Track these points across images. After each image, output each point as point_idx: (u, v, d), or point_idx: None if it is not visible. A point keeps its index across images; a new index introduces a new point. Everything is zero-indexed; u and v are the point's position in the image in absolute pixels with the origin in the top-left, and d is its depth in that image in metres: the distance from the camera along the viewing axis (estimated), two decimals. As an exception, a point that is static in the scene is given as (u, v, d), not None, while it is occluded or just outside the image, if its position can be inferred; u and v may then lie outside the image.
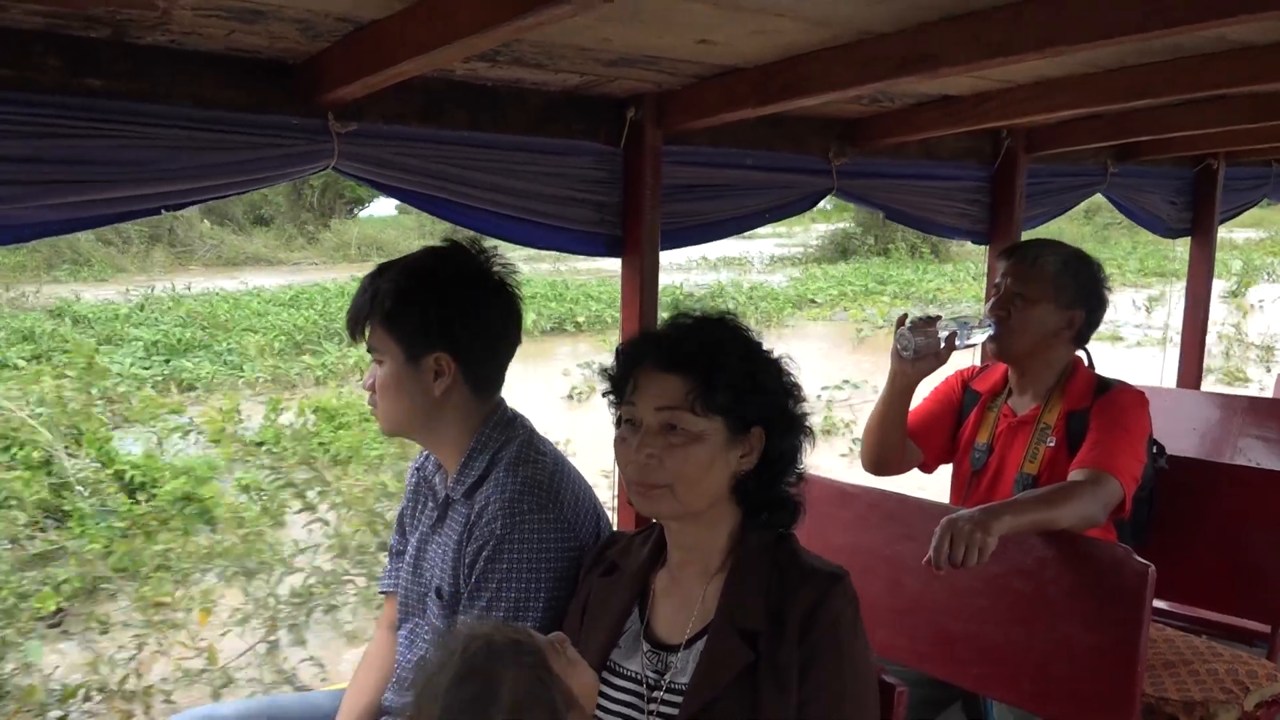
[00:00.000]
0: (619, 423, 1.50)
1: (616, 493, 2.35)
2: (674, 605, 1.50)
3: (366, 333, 1.67)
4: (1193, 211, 3.85)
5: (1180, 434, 3.19)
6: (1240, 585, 2.51)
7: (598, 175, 2.27)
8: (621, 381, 1.49)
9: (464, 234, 1.80)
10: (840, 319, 14.84)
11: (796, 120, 2.54)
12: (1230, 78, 2.08)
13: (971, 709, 2.98)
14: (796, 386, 1.51)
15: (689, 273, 18.46)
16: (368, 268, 1.76)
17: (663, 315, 1.59)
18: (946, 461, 2.54)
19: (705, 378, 1.40)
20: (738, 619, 1.41)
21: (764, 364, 1.47)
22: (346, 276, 14.49)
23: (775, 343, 1.51)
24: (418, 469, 1.88)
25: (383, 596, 1.97)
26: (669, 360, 1.43)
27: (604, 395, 1.55)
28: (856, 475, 2.64)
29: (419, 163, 2.01)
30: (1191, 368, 3.94)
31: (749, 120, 2.39)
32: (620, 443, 1.47)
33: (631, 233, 2.30)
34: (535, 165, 2.18)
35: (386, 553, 1.97)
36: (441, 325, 1.66)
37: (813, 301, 16.06)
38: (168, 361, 10.33)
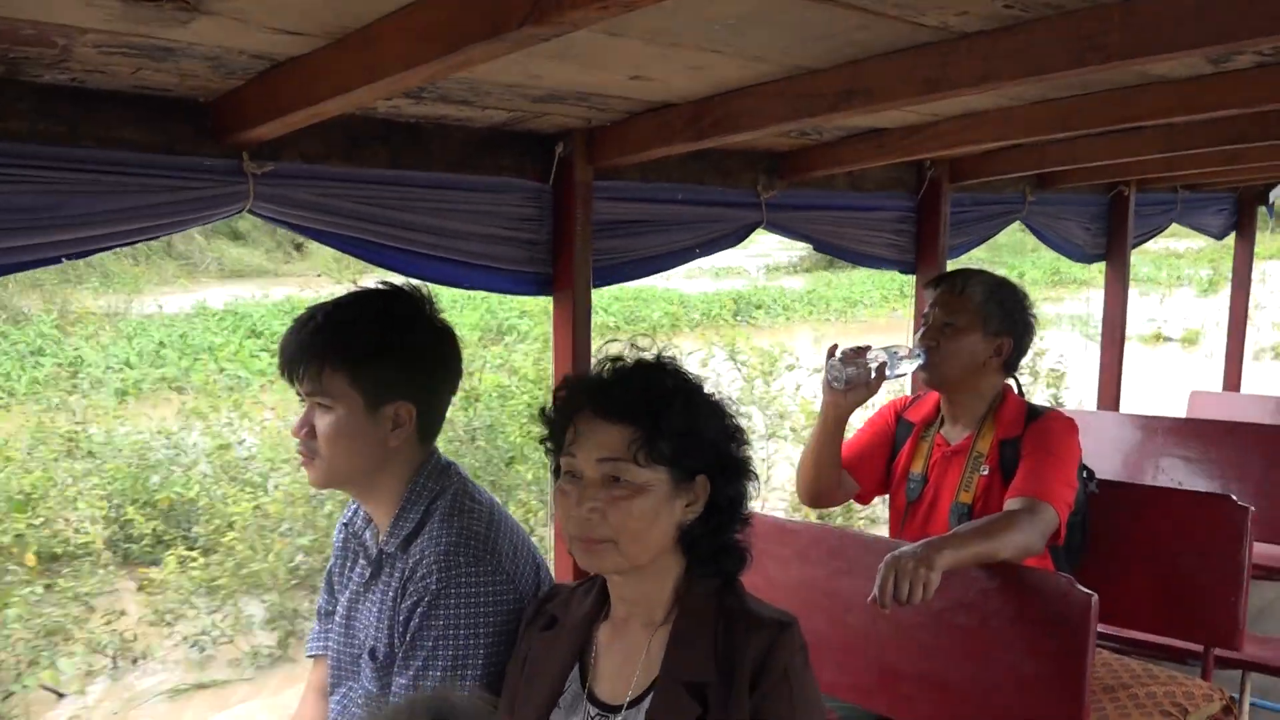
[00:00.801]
0: (557, 473, 1.44)
1: (554, 541, 2.28)
2: (617, 661, 1.44)
3: (318, 377, 1.55)
4: (1107, 237, 3.95)
5: (1103, 456, 3.25)
6: (1172, 606, 2.54)
7: (526, 213, 2.22)
8: (560, 430, 1.43)
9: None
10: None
11: (725, 154, 2.53)
12: (1148, 110, 2.12)
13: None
14: (739, 430, 1.47)
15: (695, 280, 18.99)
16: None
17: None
18: (882, 493, 2.54)
19: (648, 427, 1.35)
20: (684, 672, 1.35)
21: (707, 409, 1.43)
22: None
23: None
24: (345, 524, 1.79)
25: (310, 660, 1.87)
26: (609, 408, 1.37)
27: (541, 443, 1.50)
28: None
29: (340, 203, 1.94)
30: (1110, 388, 4.03)
31: (678, 155, 2.37)
32: (560, 495, 1.40)
33: (562, 271, 2.24)
34: (461, 204, 2.12)
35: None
36: (409, 374, 1.58)
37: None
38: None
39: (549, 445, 1.46)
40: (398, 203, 2.01)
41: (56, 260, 1.62)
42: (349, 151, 1.93)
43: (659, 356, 1.45)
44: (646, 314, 15.25)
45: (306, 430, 1.57)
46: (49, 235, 1.58)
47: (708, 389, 1.45)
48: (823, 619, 2.18)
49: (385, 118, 1.95)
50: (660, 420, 1.35)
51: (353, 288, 1.64)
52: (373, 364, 1.55)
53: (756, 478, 1.47)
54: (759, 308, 16.68)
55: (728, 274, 20.61)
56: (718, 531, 1.42)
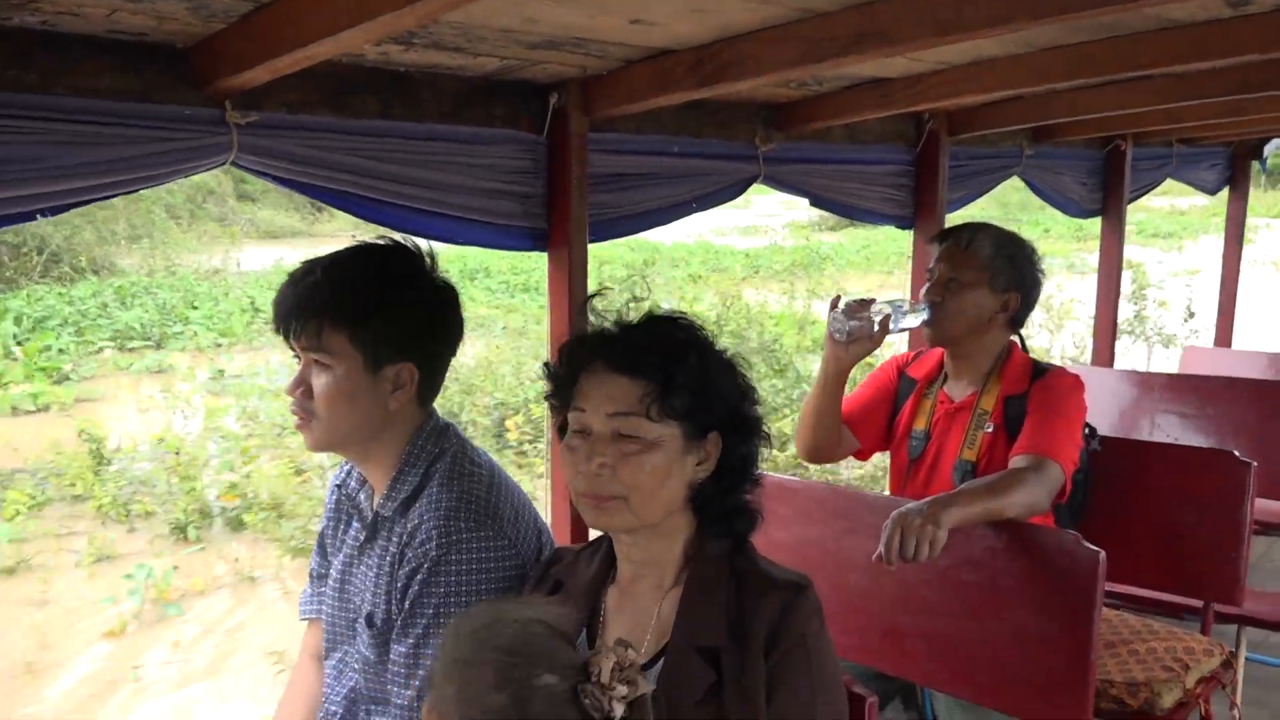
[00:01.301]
0: (563, 430, 1.39)
1: (551, 504, 2.24)
2: (626, 625, 1.39)
3: (317, 335, 1.49)
4: (1103, 192, 3.91)
5: (1099, 412, 3.23)
6: (1172, 562, 2.54)
7: (520, 165, 2.15)
8: (567, 385, 1.37)
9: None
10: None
11: (722, 106, 2.46)
12: (1159, 57, 2.08)
13: (910, 700, 2.98)
14: (751, 388, 1.42)
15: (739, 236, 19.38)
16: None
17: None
18: (883, 449, 2.51)
19: (661, 380, 1.30)
20: (697, 636, 1.31)
21: (720, 365, 1.38)
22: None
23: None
24: (338, 486, 1.73)
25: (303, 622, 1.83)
26: (621, 361, 1.32)
27: (546, 399, 1.44)
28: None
29: (327, 155, 1.86)
30: (1105, 344, 4.01)
31: (675, 106, 2.30)
32: (568, 451, 1.35)
33: (557, 225, 2.18)
34: (453, 155, 2.04)
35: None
36: (411, 334, 1.52)
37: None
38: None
39: (554, 402, 1.41)
40: (387, 155, 1.94)
41: (32, 216, 1.55)
42: (336, 101, 1.85)
43: (672, 312, 1.40)
44: (708, 265, 15.88)
45: (303, 390, 1.51)
46: (24, 189, 1.51)
47: (719, 346, 1.40)
48: (826, 579, 2.14)
49: (374, 66, 1.87)
50: (674, 374, 1.30)
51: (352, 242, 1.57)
52: (374, 323, 1.49)
53: (768, 437, 1.43)
54: (825, 259, 16.94)
55: (753, 231, 20.75)
56: (729, 491, 1.38)
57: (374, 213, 1.98)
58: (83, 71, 1.56)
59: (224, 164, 1.72)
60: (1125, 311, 10.97)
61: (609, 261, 14.81)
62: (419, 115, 1.97)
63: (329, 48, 1.43)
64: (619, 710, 1.10)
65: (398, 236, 1.59)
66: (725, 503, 1.38)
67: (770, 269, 15.63)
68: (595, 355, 1.35)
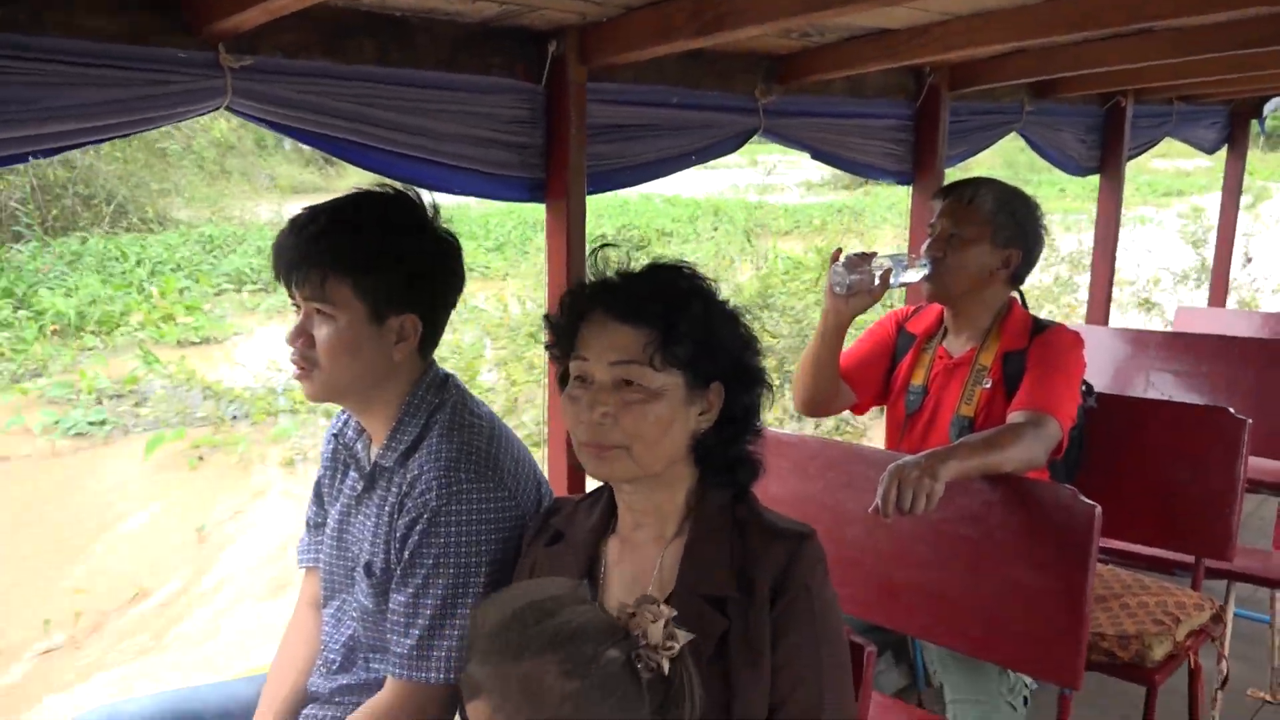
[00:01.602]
0: (564, 379, 1.38)
1: (548, 456, 2.24)
2: (628, 576, 1.40)
3: (321, 285, 1.47)
4: (1102, 149, 3.88)
5: (1094, 370, 3.23)
6: (1165, 518, 2.55)
7: (517, 114, 2.12)
8: (568, 334, 1.36)
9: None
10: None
11: (723, 56, 2.43)
12: (1163, 9, 2.06)
13: (901, 652, 3.01)
14: (754, 338, 1.41)
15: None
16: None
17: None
18: (880, 404, 2.51)
19: (665, 328, 1.29)
20: (703, 586, 1.31)
21: (723, 314, 1.37)
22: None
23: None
24: (335, 435, 1.73)
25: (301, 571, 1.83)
26: (624, 309, 1.31)
27: (547, 348, 1.43)
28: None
29: (323, 101, 1.83)
30: (1100, 302, 4.00)
31: (675, 57, 2.27)
32: (569, 401, 1.34)
33: (556, 176, 2.16)
34: (449, 103, 2.01)
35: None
36: (415, 285, 1.51)
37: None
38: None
39: (555, 352, 1.40)
40: (383, 101, 1.91)
41: (24, 159, 1.52)
42: (332, 45, 1.81)
43: (675, 260, 1.39)
44: (752, 220, 16.11)
45: (304, 339, 1.50)
46: (15, 130, 1.48)
47: (716, 288, 1.39)
48: (821, 533, 2.10)
49: (370, 9, 1.84)
50: (677, 322, 1.29)
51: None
52: (378, 273, 1.48)
53: (771, 388, 1.42)
54: (860, 214, 17.49)
55: (772, 190, 20.89)
56: (731, 441, 1.38)
57: (369, 160, 1.95)
58: (75, 12, 1.53)
59: (218, 108, 1.69)
60: (1188, 259, 11.30)
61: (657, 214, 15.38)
62: (416, 61, 1.93)
63: (326, -12, 1.40)
64: (667, 666, 1.09)
65: (399, 185, 1.56)
66: (728, 453, 1.38)
67: (810, 224, 16.10)
68: (597, 303, 1.33)
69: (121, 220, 13.32)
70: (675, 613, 1.13)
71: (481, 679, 1.10)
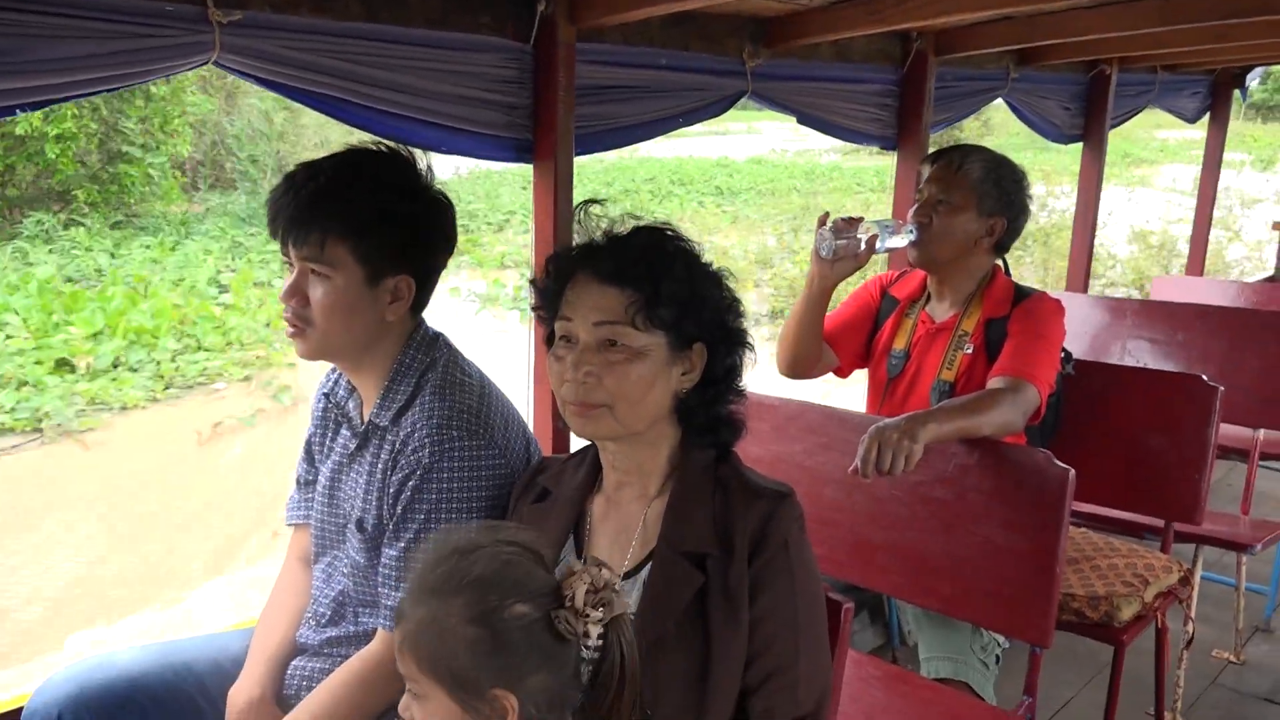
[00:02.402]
0: (550, 339, 1.40)
1: (533, 416, 2.26)
2: (612, 533, 1.43)
3: (320, 245, 1.47)
4: (1085, 118, 3.90)
5: (1072, 336, 3.27)
6: (1135, 483, 2.60)
7: (506, 74, 2.11)
8: (554, 295, 1.38)
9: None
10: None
11: (711, 19, 2.42)
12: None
13: (876, 613, 3.07)
14: (737, 301, 1.43)
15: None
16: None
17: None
18: (862, 367, 2.54)
19: (648, 289, 1.31)
20: (684, 542, 1.34)
21: (707, 276, 1.39)
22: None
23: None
24: (326, 394, 1.74)
25: (290, 527, 1.85)
26: (608, 271, 1.33)
27: (533, 310, 1.45)
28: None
29: (311, 58, 1.82)
30: (1080, 270, 4.04)
31: (663, 19, 2.27)
32: (555, 361, 1.37)
33: (543, 136, 2.16)
34: (438, 62, 2.00)
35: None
36: (410, 246, 1.53)
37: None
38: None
39: (541, 313, 1.42)
40: (373, 59, 1.90)
41: (12, 111, 1.51)
42: (321, 2, 1.80)
43: (660, 222, 1.40)
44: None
45: (299, 299, 1.51)
46: (10, 82, 1.47)
47: (698, 250, 1.41)
48: (800, 494, 2.17)
49: (359, -34, 1.83)
50: (660, 284, 1.31)
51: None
52: (376, 234, 1.49)
53: (753, 350, 1.45)
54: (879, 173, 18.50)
55: (805, 154, 21.53)
56: (714, 402, 1.40)
57: (358, 118, 1.94)
58: (61, -36, 1.51)
59: (206, 63, 1.68)
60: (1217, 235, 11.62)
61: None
62: (405, 20, 1.92)
63: (316, -56, 1.39)
64: (595, 632, 1.10)
65: (393, 145, 1.57)
66: (710, 413, 1.41)
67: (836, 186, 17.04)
68: (582, 265, 1.35)
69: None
70: (618, 581, 1.14)
71: (404, 611, 1.12)
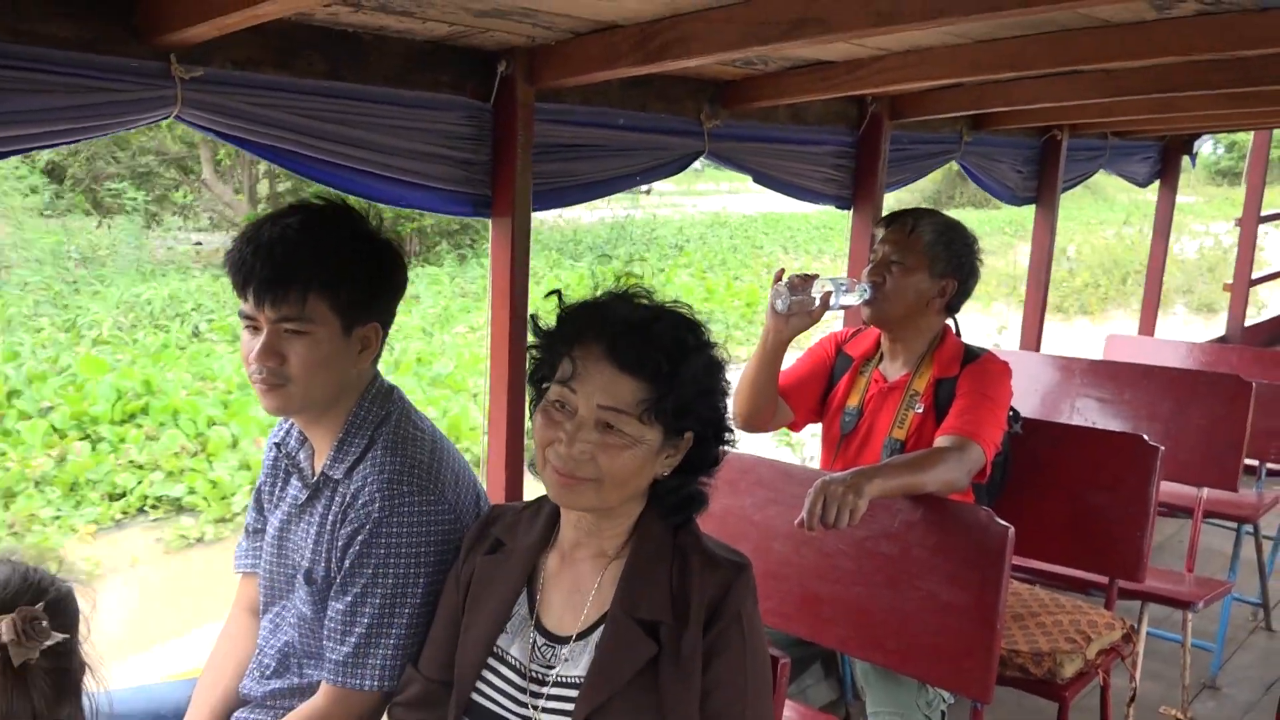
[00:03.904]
0: (539, 393, 1.40)
1: (487, 462, 2.28)
2: (565, 591, 1.44)
3: (301, 302, 1.48)
4: (1038, 180, 4.02)
5: (1022, 394, 3.34)
6: (1081, 539, 2.65)
7: (465, 131, 2.16)
8: (558, 351, 1.37)
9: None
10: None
11: (669, 80, 2.49)
12: (1088, 54, 2.16)
13: (828, 664, 3.08)
14: (728, 384, 1.45)
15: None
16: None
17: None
18: (815, 421, 2.58)
19: (661, 389, 1.31)
20: (639, 609, 1.36)
21: (713, 369, 1.39)
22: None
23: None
24: (277, 444, 1.76)
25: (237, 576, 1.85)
26: (627, 359, 1.31)
27: (529, 350, 1.44)
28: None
29: (272, 113, 1.85)
30: (1032, 329, 4.13)
31: (621, 80, 2.33)
32: (547, 424, 1.35)
33: (501, 192, 2.20)
34: (399, 119, 2.05)
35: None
36: (378, 295, 1.56)
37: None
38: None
39: (538, 356, 1.41)
40: (333, 115, 1.93)
41: (-31, 161, 1.53)
42: (283, 59, 1.84)
43: (683, 311, 1.40)
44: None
45: (275, 358, 1.50)
46: (-44, 134, 1.50)
47: (713, 343, 1.41)
48: (748, 547, 2.17)
49: (322, 25, 1.87)
50: (674, 383, 1.32)
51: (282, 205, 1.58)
52: (351, 285, 1.51)
53: (734, 441, 1.47)
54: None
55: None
56: (688, 484, 1.42)
57: (319, 173, 1.98)
58: (29, 16, 1.53)
59: (167, 117, 1.71)
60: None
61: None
62: (366, 78, 1.97)
63: (278, 6, 1.43)
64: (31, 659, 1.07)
65: (336, 196, 1.61)
66: (682, 494, 1.42)
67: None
68: (599, 338, 1.33)
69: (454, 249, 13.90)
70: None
71: None
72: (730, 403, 1.47)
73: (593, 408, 1.32)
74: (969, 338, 2.50)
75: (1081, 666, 2.32)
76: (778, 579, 2.20)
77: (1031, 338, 4.12)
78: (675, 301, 1.41)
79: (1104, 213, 22.95)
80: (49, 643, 1.09)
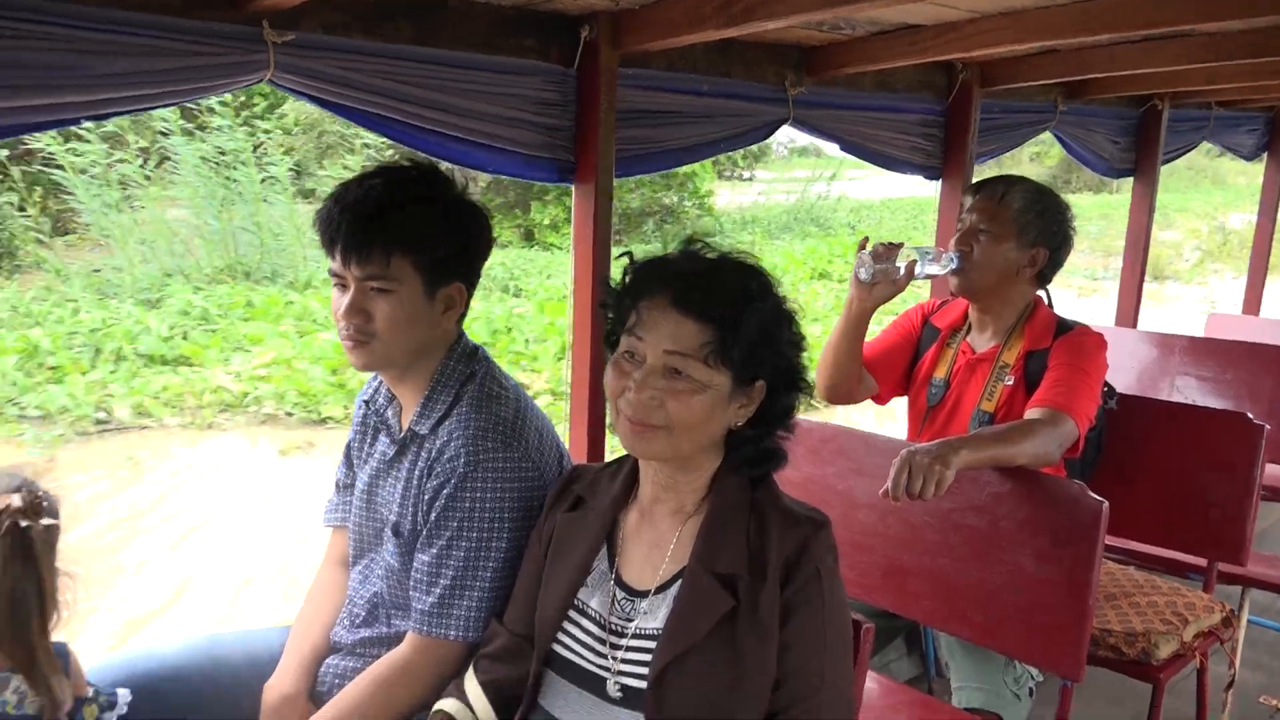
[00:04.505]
0: (612, 344, 1.41)
1: (570, 422, 2.29)
2: (644, 547, 1.44)
3: (385, 262, 1.51)
4: (1135, 152, 3.87)
5: (1120, 371, 3.24)
6: (1180, 520, 2.55)
7: (549, 97, 2.17)
8: (627, 305, 1.38)
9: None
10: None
11: (753, 46, 2.46)
12: (1195, 14, 2.06)
13: (912, 640, 3.03)
14: (803, 339, 1.43)
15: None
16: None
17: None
18: (901, 394, 2.54)
19: (725, 331, 1.31)
20: (716, 563, 1.35)
21: (781, 318, 1.39)
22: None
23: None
24: (366, 401, 1.79)
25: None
26: (690, 303, 1.32)
27: (602, 306, 1.46)
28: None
29: (361, 78, 1.89)
30: (1129, 306, 3.99)
31: (705, 45, 2.31)
32: (616, 373, 1.37)
33: (584, 158, 2.20)
34: (483, 84, 2.07)
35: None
36: (464, 255, 1.58)
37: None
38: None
39: (609, 315, 1.43)
40: (420, 80, 1.96)
41: (76, 121, 1.59)
42: (371, 25, 1.87)
43: (746, 257, 1.40)
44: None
45: (361, 315, 1.54)
46: (69, 95, 1.55)
47: (780, 292, 1.40)
48: (831, 517, 2.17)
49: (409, -10, 1.89)
50: (738, 327, 1.31)
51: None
52: (437, 247, 1.54)
53: (811, 390, 1.45)
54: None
55: None
56: (764, 437, 1.41)
57: (407, 137, 2.01)
58: (123, -19, 1.59)
59: (260, 81, 1.75)
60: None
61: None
62: (452, 43, 1.99)
63: (366, -32, 1.45)
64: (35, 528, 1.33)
65: (424, 159, 1.62)
66: (758, 447, 1.41)
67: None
68: (664, 286, 1.34)
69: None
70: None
71: None
72: (806, 360, 1.44)
73: (659, 354, 1.33)
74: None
75: (1177, 649, 2.24)
76: (861, 550, 2.16)
77: (1128, 313, 3.99)
78: (739, 252, 1.41)
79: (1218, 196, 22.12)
80: (51, 521, 1.35)
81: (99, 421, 6.16)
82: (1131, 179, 3.97)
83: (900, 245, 2.20)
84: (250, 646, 1.78)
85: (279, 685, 1.67)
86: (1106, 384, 2.45)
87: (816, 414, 5.54)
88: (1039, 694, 2.16)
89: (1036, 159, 23.45)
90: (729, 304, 1.32)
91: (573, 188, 2.25)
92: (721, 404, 1.35)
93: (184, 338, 7.56)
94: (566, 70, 2.15)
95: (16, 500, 1.32)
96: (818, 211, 17.45)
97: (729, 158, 20.65)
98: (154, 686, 1.64)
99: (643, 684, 1.34)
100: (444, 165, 1.70)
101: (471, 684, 1.50)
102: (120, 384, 6.59)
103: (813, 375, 1.49)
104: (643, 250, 1.43)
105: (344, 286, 1.55)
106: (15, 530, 1.31)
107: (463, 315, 1.65)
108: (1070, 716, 2.05)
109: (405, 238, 1.51)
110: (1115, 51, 2.77)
